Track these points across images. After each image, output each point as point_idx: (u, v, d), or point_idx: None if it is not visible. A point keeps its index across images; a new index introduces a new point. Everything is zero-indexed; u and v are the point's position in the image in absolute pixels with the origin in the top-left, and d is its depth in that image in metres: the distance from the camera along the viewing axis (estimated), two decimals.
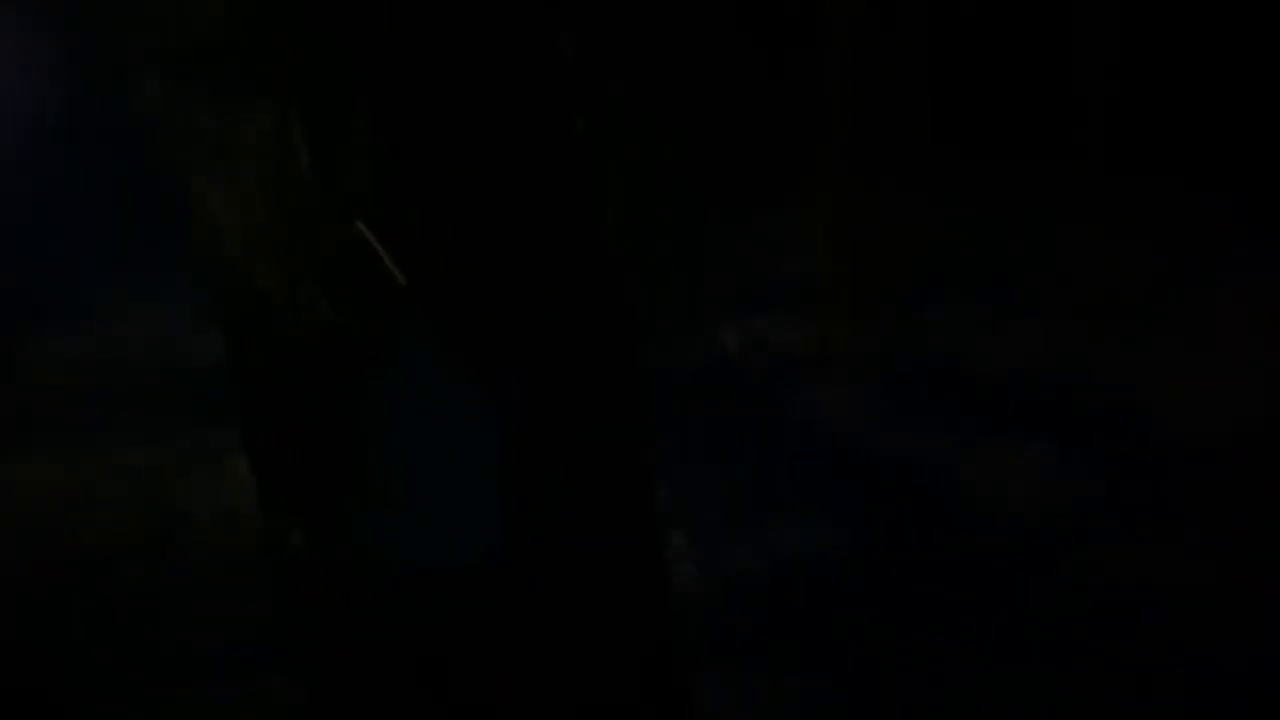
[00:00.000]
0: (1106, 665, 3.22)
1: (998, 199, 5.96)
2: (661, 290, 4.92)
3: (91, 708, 2.98)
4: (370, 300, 1.51)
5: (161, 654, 3.12)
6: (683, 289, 5.28)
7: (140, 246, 4.24)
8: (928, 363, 5.06)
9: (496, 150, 1.55)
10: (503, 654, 1.59)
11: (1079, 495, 4.16)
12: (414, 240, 1.51)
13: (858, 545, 3.85)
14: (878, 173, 5.34)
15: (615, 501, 1.68)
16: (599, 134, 1.78)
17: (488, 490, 1.45)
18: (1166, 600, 3.50)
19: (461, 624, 1.57)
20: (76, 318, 5.05)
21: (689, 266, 5.49)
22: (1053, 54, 6.06)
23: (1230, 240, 5.65)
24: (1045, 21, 6.15)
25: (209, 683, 2.98)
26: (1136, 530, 3.90)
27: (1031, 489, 4.20)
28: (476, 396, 1.46)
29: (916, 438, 4.51)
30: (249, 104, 1.48)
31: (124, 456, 4.13)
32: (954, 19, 6.09)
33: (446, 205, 1.53)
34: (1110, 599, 3.53)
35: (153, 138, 1.58)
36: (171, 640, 3.17)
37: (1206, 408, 4.66)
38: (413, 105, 1.50)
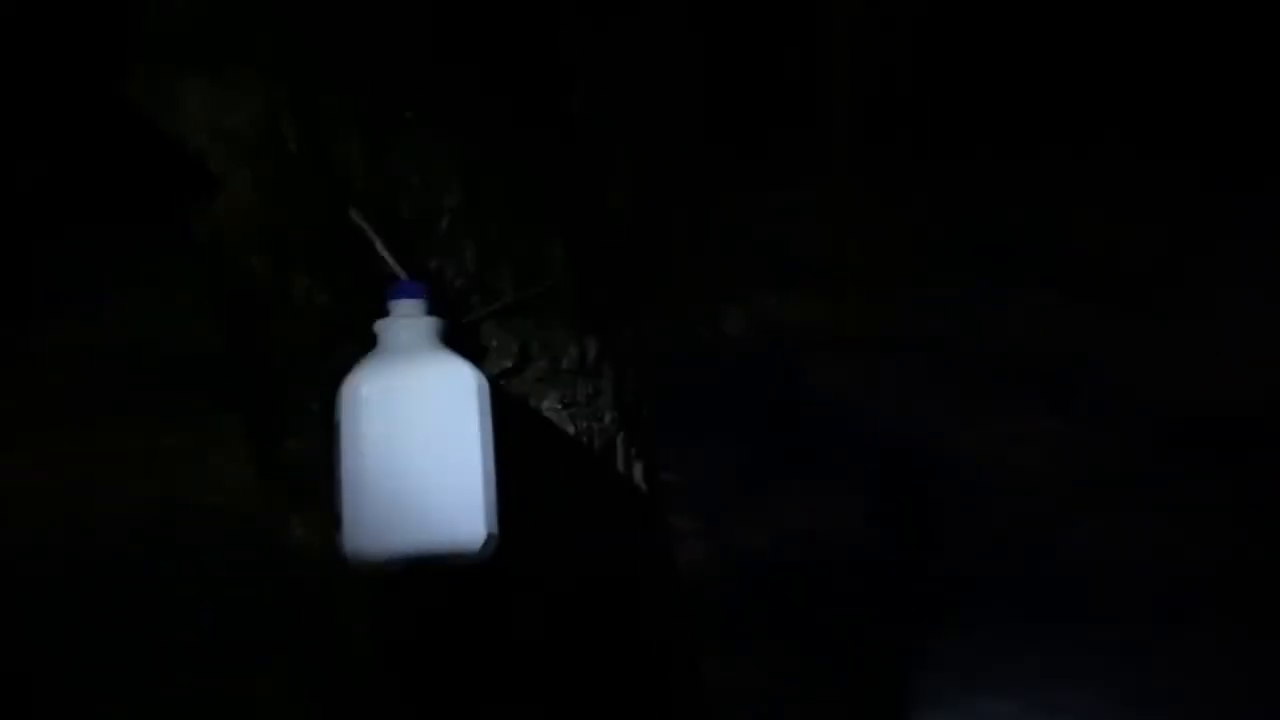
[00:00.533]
0: (1111, 639, 3.22)
1: (1004, 180, 5.96)
2: (669, 269, 4.91)
3: (91, 696, 2.97)
4: (367, 289, 1.48)
5: (162, 642, 3.12)
6: (690, 268, 5.27)
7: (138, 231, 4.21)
8: (935, 340, 5.05)
9: (488, 133, 1.53)
10: (505, 643, 1.58)
11: (1086, 469, 4.15)
12: (408, 227, 1.49)
13: (866, 523, 3.85)
14: (884, 152, 5.33)
15: (617, 486, 1.65)
16: (599, 114, 1.75)
17: (485, 483, 1.42)
18: (1172, 575, 3.50)
19: (462, 614, 1.55)
20: (76, 306, 5.05)
21: (696, 246, 5.48)
22: (1053, 39, 6.06)
23: (1231, 219, 5.65)
24: (1046, 11, 6.15)
25: (209, 672, 2.97)
26: (1142, 504, 3.89)
27: (1039, 464, 4.20)
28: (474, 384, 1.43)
29: (925, 415, 4.51)
30: (237, 87, 1.45)
31: (125, 444, 4.12)
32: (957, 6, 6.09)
33: (440, 188, 1.50)
34: (1116, 573, 3.53)
35: (138, 122, 1.56)
36: (172, 629, 3.17)
37: (1211, 381, 4.65)
38: (405, 89, 1.47)
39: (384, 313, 1.45)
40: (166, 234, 1.63)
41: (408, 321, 1.44)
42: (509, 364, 1.53)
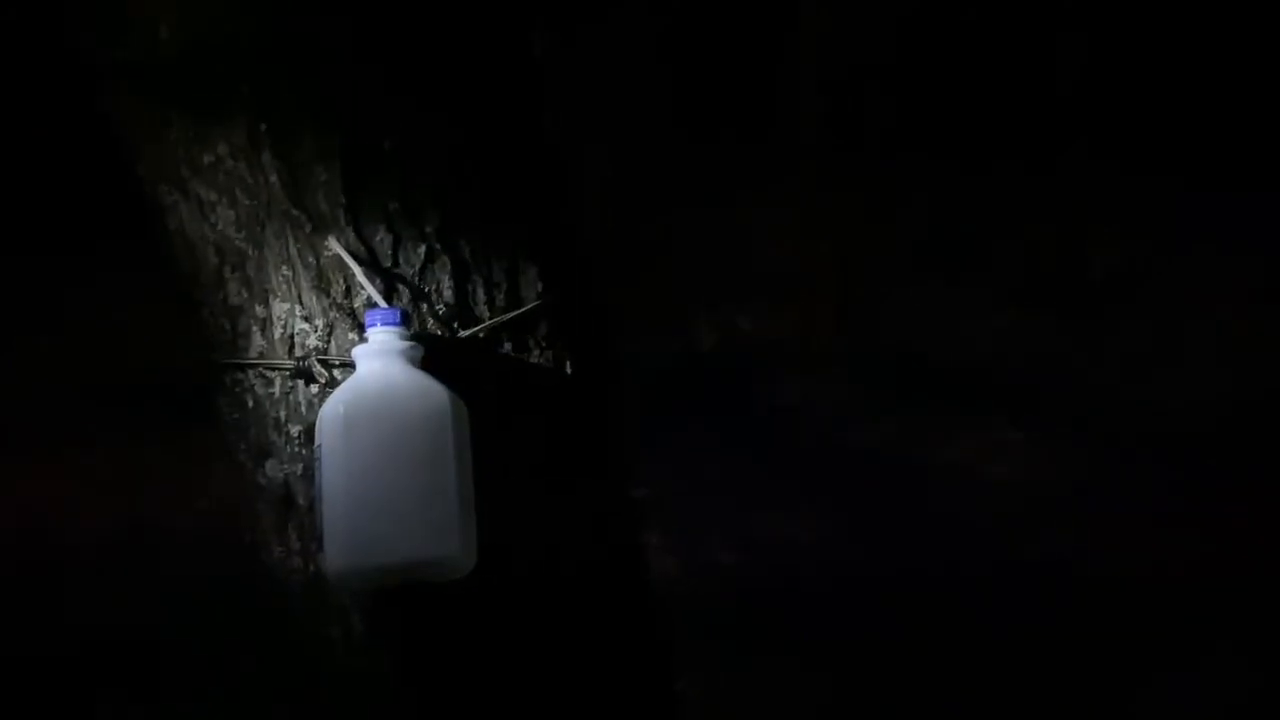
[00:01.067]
0: (1081, 647, 3.26)
1: (971, 191, 6.01)
2: (638, 283, 4.93)
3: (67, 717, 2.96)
4: (345, 315, 1.51)
5: (138, 662, 3.12)
6: (659, 282, 5.29)
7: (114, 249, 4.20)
8: (902, 352, 5.09)
9: (465, 157, 1.55)
10: (478, 660, 1.60)
11: (1054, 480, 4.20)
12: (386, 253, 1.51)
13: (836, 535, 3.87)
14: (853, 165, 5.38)
15: (588, 501, 1.68)
16: (572, 130, 1.78)
17: (462, 503, 1.45)
18: (1141, 583, 3.54)
19: (440, 631, 1.58)
20: (51, 322, 5.03)
21: (667, 260, 5.50)
22: (1024, 50, 6.11)
23: (1196, 230, 5.70)
24: (1018, 18, 6.20)
25: (187, 692, 2.97)
26: (1108, 514, 3.94)
27: (1007, 474, 4.24)
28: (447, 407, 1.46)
29: (892, 426, 4.54)
30: (219, 119, 1.48)
31: (103, 462, 4.11)
32: (928, 17, 6.14)
33: (417, 214, 1.53)
34: (1086, 582, 3.57)
35: (117, 147, 1.58)
36: (149, 648, 3.16)
37: (1175, 391, 4.71)
38: (385, 121, 1.50)
39: (362, 338, 1.49)
40: (145, 252, 1.65)
41: (385, 347, 1.47)
42: (486, 386, 1.56)
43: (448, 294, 1.53)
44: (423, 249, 1.52)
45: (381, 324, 1.47)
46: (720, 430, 4.53)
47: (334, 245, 1.49)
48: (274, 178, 1.47)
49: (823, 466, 4.30)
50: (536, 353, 1.60)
